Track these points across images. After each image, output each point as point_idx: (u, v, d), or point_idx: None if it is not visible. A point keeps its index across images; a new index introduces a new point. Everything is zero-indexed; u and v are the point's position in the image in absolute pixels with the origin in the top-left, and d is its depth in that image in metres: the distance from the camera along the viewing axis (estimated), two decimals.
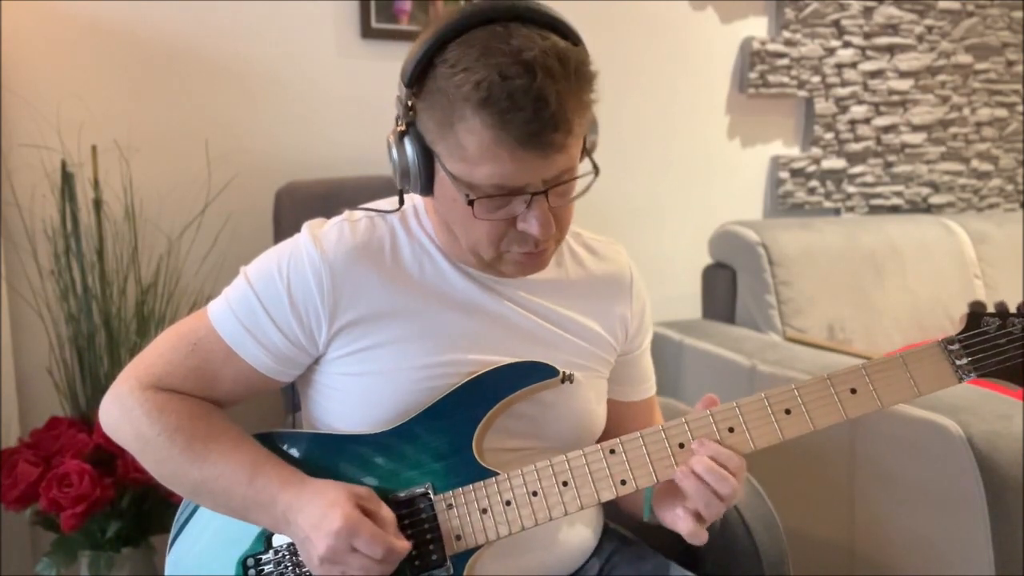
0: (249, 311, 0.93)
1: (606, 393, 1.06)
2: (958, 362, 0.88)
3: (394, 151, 0.88)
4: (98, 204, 1.70)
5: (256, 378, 0.95)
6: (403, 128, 0.87)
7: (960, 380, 0.88)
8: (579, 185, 0.88)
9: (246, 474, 0.89)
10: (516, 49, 0.79)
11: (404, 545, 0.86)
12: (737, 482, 0.85)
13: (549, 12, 0.84)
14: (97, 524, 1.55)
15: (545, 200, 0.84)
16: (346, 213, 0.99)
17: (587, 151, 0.89)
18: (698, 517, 0.86)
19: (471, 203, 0.83)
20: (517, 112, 0.78)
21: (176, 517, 1.00)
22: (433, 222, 0.97)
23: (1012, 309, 0.89)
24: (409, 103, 0.85)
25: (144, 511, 1.59)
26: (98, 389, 1.66)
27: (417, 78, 0.84)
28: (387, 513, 0.87)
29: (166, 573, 0.99)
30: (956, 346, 0.88)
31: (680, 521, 0.87)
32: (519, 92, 0.78)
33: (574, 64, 0.82)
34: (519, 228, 0.87)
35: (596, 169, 0.87)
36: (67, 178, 1.69)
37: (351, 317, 0.93)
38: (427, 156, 0.86)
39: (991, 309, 0.90)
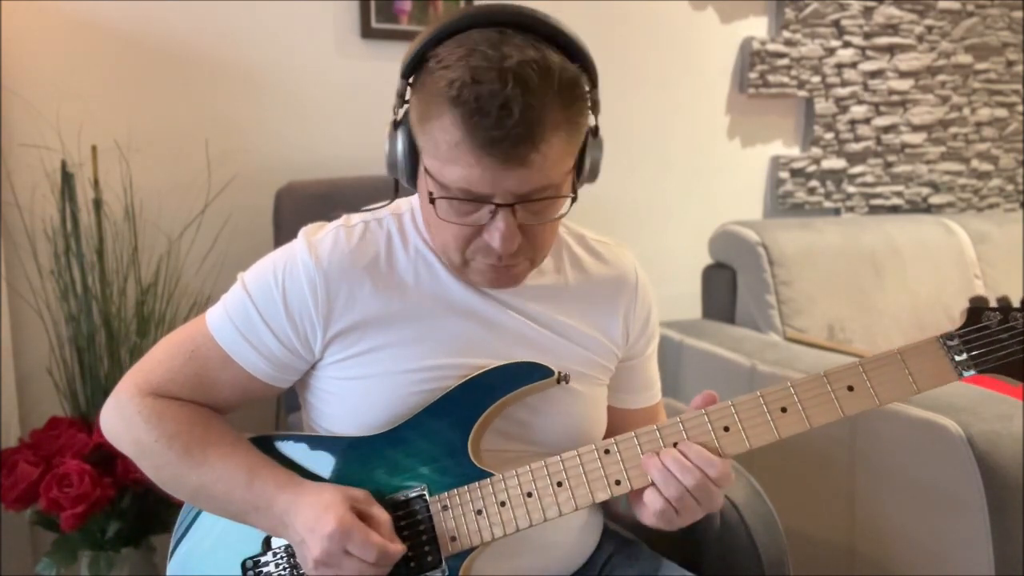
0: (246, 318, 0.93)
1: (605, 400, 1.04)
2: (957, 358, 0.86)
3: (387, 140, 0.90)
4: (98, 204, 1.70)
5: (254, 384, 0.95)
6: (398, 118, 0.88)
7: (960, 376, 0.86)
8: (560, 206, 0.86)
9: (244, 478, 0.90)
10: (500, 56, 0.78)
11: (398, 548, 0.86)
12: (710, 482, 0.84)
13: (554, 25, 0.83)
14: (97, 524, 1.56)
15: (511, 215, 0.82)
16: (343, 218, 0.98)
17: (579, 173, 0.87)
18: (666, 503, 0.86)
19: (432, 202, 0.84)
20: (482, 117, 0.77)
21: (180, 519, 1.00)
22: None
23: (1016, 304, 0.87)
24: (404, 95, 0.87)
25: (144, 511, 1.59)
26: (98, 389, 1.66)
27: (412, 71, 0.85)
28: (382, 515, 0.87)
29: (169, 574, 0.99)
30: (955, 341, 0.86)
31: (648, 492, 0.86)
32: (486, 97, 0.77)
33: (559, 79, 0.80)
34: (484, 238, 0.86)
35: (574, 195, 0.86)
36: (67, 178, 1.69)
37: (346, 324, 0.93)
38: (413, 149, 0.87)
39: (993, 304, 0.88)
